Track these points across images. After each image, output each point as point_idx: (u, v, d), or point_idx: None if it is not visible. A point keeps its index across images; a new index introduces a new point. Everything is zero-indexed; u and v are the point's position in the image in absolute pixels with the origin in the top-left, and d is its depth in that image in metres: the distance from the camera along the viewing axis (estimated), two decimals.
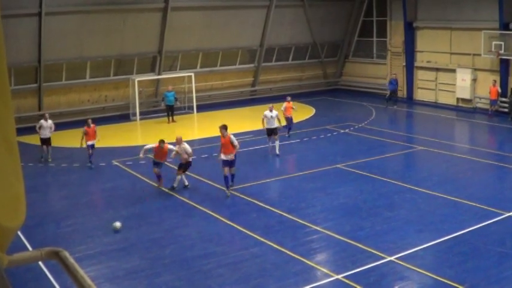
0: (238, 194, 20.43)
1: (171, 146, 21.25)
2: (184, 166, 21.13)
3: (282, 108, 29.52)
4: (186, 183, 21.38)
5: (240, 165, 24.58)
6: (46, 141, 25.95)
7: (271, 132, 26.43)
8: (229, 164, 20.36)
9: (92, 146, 24.61)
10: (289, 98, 30.20)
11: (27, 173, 21.92)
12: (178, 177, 21.05)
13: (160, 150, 21.46)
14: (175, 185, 21.01)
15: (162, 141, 21.43)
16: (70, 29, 33.11)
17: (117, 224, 16.92)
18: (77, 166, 24.82)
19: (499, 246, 15.51)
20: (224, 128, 20.55)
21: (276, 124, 26.33)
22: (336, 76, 46.60)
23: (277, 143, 26.27)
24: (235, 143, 20.39)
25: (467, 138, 31.51)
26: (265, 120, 26.64)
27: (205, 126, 33.66)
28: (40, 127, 25.95)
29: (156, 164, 21.42)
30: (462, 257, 15.03)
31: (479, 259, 14.86)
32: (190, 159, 21.13)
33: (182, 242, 16.48)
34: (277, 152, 26.06)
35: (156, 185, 21.72)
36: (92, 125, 24.72)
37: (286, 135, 29.38)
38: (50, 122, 26.16)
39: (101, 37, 34.44)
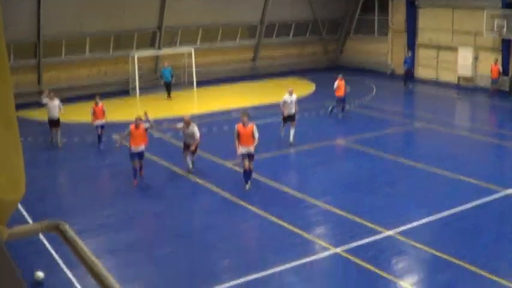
0: (237, 168, 20.45)
1: (147, 124, 19.29)
2: (188, 147, 19.63)
3: (335, 87, 28.26)
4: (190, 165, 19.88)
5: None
6: (55, 123, 23.91)
7: (289, 118, 23.81)
8: (250, 156, 18.26)
9: (102, 126, 23.54)
10: (341, 75, 29.00)
11: (27, 148, 21.95)
12: (188, 158, 19.76)
13: (136, 132, 20.38)
14: (190, 166, 19.75)
15: (138, 119, 19.73)
16: (69, 5, 32.87)
17: (39, 274, 13.79)
18: (76, 141, 24.82)
19: (498, 223, 15.58)
20: (247, 116, 18.34)
21: (294, 110, 23.93)
22: (336, 53, 46.39)
23: (293, 131, 23.61)
24: (257, 134, 18.20)
25: (468, 116, 31.49)
26: (284, 105, 23.90)
27: (205, 101, 33.62)
28: (47, 107, 23.89)
29: (135, 155, 18.93)
30: (461, 233, 15.10)
31: (478, 235, 14.93)
32: (194, 147, 19.41)
33: (182, 214, 16.56)
34: (292, 140, 23.51)
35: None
36: (100, 104, 23.59)
37: (340, 116, 28.42)
38: (57, 101, 23.94)
39: (101, 12, 34.21)
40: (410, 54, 38.48)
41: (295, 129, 23.69)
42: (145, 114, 19.69)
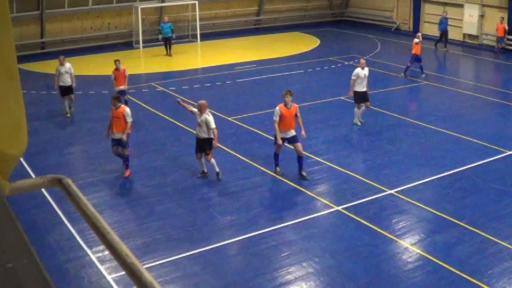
0: (240, 124, 20.44)
1: (127, 111, 16.20)
2: (201, 146, 15.83)
3: (413, 45, 27.32)
4: (217, 169, 15.97)
5: (242, 95, 24.58)
6: (67, 90, 21.64)
7: (361, 96, 20.26)
8: (293, 140, 15.86)
9: (123, 92, 21.37)
10: (419, 34, 28.05)
11: (29, 101, 21.95)
12: (200, 160, 16.04)
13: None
14: (204, 169, 16.08)
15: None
16: None
17: None
18: (79, 94, 24.75)
19: (499, 183, 15.61)
20: (290, 94, 15.71)
21: (366, 86, 20.40)
22: (341, 7, 45.94)
23: (358, 111, 20.43)
24: (299, 116, 15.91)
25: (472, 75, 31.29)
26: (357, 81, 20.21)
27: (209, 54, 33.43)
28: (58, 74, 21.52)
29: (116, 142, 16.16)
30: (462, 193, 15.15)
31: (478, 196, 14.98)
32: (216, 140, 15.60)
33: (184, 170, 16.60)
34: (358, 121, 20.41)
35: None
36: (121, 68, 21.46)
37: (423, 75, 27.51)
38: (68, 65, 21.67)
39: None
40: (445, 14, 36.10)
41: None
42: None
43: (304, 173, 15.90)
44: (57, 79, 21.47)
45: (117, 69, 21.43)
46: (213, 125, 15.46)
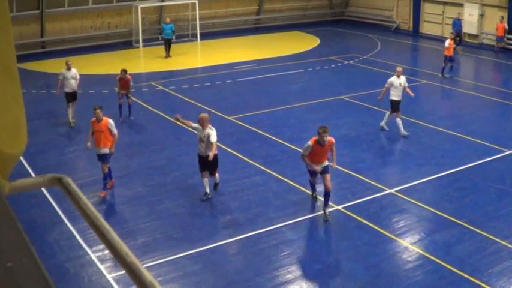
0: (240, 123, 20.44)
1: (111, 123, 14.99)
2: (206, 163, 14.51)
3: (447, 45, 27.08)
4: (217, 181, 15.10)
5: (242, 94, 24.58)
6: (72, 97, 20.81)
7: (397, 106, 19.26)
8: (325, 171, 13.74)
9: (126, 96, 21.15)
10: (451, 31, 27.63)
11: (29, 101, 21.92)
12: (205, 179, 14.63)
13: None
14: (207, 190, 14.61)
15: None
16: None
17: None
18: (79, 93, 24.71)
19: (499, 183, 15.61)
20: (327, 131, 13.41)
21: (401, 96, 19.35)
22: (341, 7, 45.92)
23: (400, 121, 19.25)
24: (335, 149, 13.95)
25: (472, 74, 31.27)
26: (391, 89, 19.29)
27: (209, 54, 33.41)
28: (63, 78, 20.64)
29: (101, 157, 15.06)
30: (462, 192, 15.15)
31: (478, 195, 14.98)
32: (213, 153, 14.03)
33: (184, 169, 16.60)
34: (405, 131, 19.13)
35: None
36: (127, 77, 20.91)
37: (447, 75, 27.38)
38: (74, 70, 20.86)
39: None
40: (458, 15, 35.17)
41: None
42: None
43: (327, 212, 13.64)
44: (62, 84, 20.60)
45: (122, 78, 20.96)
46: (213, 138, 14.09)
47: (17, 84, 2.10)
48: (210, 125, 14.33)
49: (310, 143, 13.49)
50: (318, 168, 13.73)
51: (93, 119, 15.01)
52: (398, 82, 19.08)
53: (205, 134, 14.19)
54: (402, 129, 19.04)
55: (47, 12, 32.90)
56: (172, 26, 32.21)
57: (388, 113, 19.56)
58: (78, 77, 20.89)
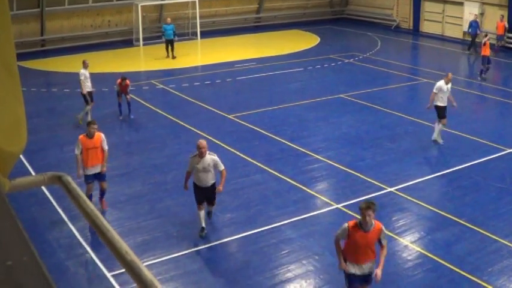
0: (240, 121, 20.43)
1: (103, 137, 13.87)
2: (206, 194, 12.90)
3: (483, 44, 26.88)
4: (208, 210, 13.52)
5: (242, 93, 24.58)
6: (90, 96, 20.61)
7: (443, 112, 18.39)
8: (366, 281, 9.75)
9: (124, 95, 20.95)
10: (489, 36, 27.56)
11: (29, 99, 21.91)
12: (201, 212, 12.83)
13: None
14: (203, 224, 12.78)
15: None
16: None
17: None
18: (79, 91, 24.70)
19: (499, 181, 15.61)
20: (372, 209, 9.36)
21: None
22: (342, 5, 45.90)
23: (440, 127, 18.48)
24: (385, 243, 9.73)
25: (472, 73, 31.24)
26: (439, 94, 18.32)
27: (209, 52, 33.39)
28: (85, 78, 20.27)
29: (93, 177, 13.76)
30: (462, 191, 15.15)
31: (478, 194, 14.98)
32: (223, 184, 12.72)
33: (184, 168, 16.51)
34: (439, 138, 18.45)
35: None
36: (126, 82, 20.86)
37: (483, 75, 26.94)
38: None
39: None
40: (475, 17, 34.28)
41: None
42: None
43: None
44: (85, 84, 20.20)
45: (121, 83, 20.81)
46: (222, 165, 12.58)
47: (17, 82, 2.10)
48: (210, 152, 12.72)
49: (346, 225, 9.44)
50: (357, 270, 9.50)
51: (83, 135, 13.66)
52: (446, 87, 18.33)
53: (208, 163, 12.46)
54: (437, 135, 18.35)
55: (47, 11, 32.88)
56: (173, 27, 31.60)
57: (436, 123, 18.51)
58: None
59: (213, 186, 12.78)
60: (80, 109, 21.05)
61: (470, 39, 33.91)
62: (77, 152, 13.46)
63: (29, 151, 14.70)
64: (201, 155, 12.45)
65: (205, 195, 12.84)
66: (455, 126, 19.80)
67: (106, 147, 13.78)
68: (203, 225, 12.72)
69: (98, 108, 22.13)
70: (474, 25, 33.49)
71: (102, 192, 14.01)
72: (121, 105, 20.96)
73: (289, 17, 42.57)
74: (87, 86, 20.24)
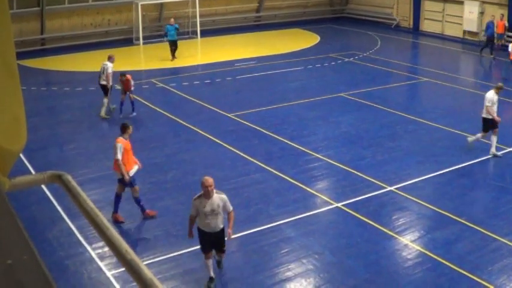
0: (240, 120, 20.43)
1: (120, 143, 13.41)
2: (216, 241, 10.93)
3: (510, 49, 26.56)
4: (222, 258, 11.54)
5: (242, 92, 24.59)
6: (108, 89, 21.23)
7: (490, 125, 17.47)
8: None
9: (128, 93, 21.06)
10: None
11: (29, 98, 21.92)
12: (209, 261, 10.93)
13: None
14: (212, 274, 10.94)
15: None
16: None
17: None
18: (79, 90, 24.75)
19: (499, 180, 15.61)
20: None
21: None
22: (342, 4, 45.89)
23: (495, 139, 17.45)
24: None
25: (472, 72, 31.26)
26: (493, 107, 17.57)
27: (209, 51, 33.38)
28: (112, 72, 21.13)
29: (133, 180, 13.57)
30: (461, 190, 15.15)
31: (478, 193, 14.99)
32: (222, 226, 10.82)
33: (184, 167, 16.60)
34: (496, 151, 17.35)
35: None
36: (126, 77, 20.95)
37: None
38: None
39: None
40: (492, 18, 33.01)
41: None
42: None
43: None
44: (110, 78, 20.88)
45: (121, 80, 20.95)
46: (230, 205, 10.91)
47: (17, 81, 2.10)
48: (218, 191, 10.76)
49: None
50: None
51: (121, 138, 13.47)
52: (496, 98, 17.64)
53: (217, 204, 10.56)
54: (494, 148, 17.35)
55: (47, 10, 32.86)
56: (177, 27, 30.67)
57: (492, 135, 17.49)
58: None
59: (222, 231, 10.82)
60: (81, 108, 21.07)
61: (484, 40, 33.15)
62: (120, 156, 13.25)
63: (28, 150, 14.71)
64: (208, 195, 10.41)
65: (214, 242, 10.89)
66: (454, 125, 19.81)
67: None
68: (211, 274, 10.94)
69: (98, 107, 22.13)
70: (491, 26, 32.34)
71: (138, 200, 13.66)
72: (123, 103, 20.96)
73: (289, 16, 42.55)
74: (111, 80, 21.03)
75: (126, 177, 13.29)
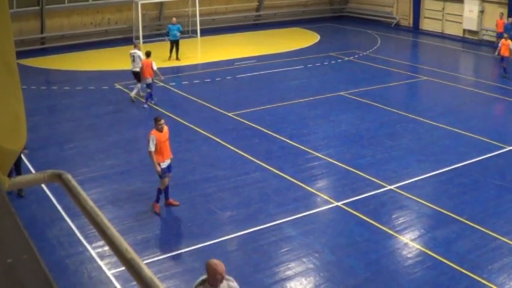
0: (240, 119, 20.43)
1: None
2: None
3: None
4: None
5: (242, 91, 24.59)
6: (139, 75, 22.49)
7: None
8: None
9: (148, 84, 22.00)
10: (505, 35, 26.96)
11: (29, 97, 21.91)
12: None
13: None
14: None
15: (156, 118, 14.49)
16: None
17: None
18: (79, 89, 24.73)
19: (499, 179, 15.62)
20: None
21: None
22: (341, 3, 45.86)
23: None
24: None
25: (472, 70, 31.26)
26: None
27: (209, 50, 33.36)
28: (134, 59, 22.74)
29: (168, 168, 13.93)
30: (461, 189, 15.15)
31: (478, 191, 14.98)
32: None
33: (184, 166, 16.58)
34: None
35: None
36: (149, 60, 21.90)
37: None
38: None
39: None
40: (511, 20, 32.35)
41: None
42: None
43: None
44: (139, 64, 22.30)
45: (146, 55, 22.12)
46: None
47: (17, 81, 2.10)
48: (229, 278, 8.54)
49: None
50: None
51: (155, 131, 13.48)
52: None
53: None
54: None
55: (47, 9, 32.82)
56: (180, 27, 30.74)
57: None
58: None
59: None
60: (81, 107, 21.06)
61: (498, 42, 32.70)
62: (153, 148, 13.39)
63: (29, 149, 14.69)
64: (215, 284, 8.08)
65: None
66: (454, 124, 19.81)
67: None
68: None
69: (98, 106, 22.16)
70: (509, 28, 31.64)
71: (167, 188, 14.02)
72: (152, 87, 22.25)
73: (289, 15, 42.52)
74: (136, 66, 22.60)
75: (157, 169, 13.47)
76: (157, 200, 13.94)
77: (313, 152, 17.44)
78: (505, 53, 26.72)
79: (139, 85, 22.66)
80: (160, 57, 29.49)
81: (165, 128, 13.74)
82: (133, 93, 22.75)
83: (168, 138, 13.80)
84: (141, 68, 21.89)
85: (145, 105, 21.93)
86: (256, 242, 12.57)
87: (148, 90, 22.13)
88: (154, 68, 21.88)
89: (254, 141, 18.49)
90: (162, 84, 25.35)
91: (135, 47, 23.19)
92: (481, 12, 35.55)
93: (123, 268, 1.87)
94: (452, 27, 37.55)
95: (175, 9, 36.18)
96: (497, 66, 28.00)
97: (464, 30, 36.68)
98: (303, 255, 11.99)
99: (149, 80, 21.89)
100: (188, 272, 11.45)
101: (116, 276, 11.07)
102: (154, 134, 13.47)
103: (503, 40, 27.21)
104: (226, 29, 38.66)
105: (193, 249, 12.26)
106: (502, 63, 27.09)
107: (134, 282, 1.71)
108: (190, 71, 28.29)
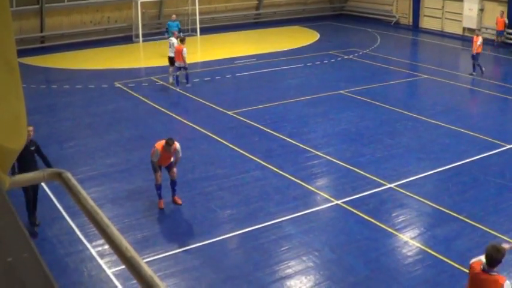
0: (240, 118, 20.43)
1: (178, 148, 13.92)
2: None
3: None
4: None
5: (242, 89, 24.59)
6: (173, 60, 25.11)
7: None
8: None
9: (178, 68, 24.64)
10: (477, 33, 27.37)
11: (29, 95, 21.89)
12: None
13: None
14: None
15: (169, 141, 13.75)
16: None
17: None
18: (79, 88, 24.73)
19: (499, 177, 15.62)
20: None
21: None
22: (341, 1, 45.84)
23: None
24: None
25: (472, 69, 31.21)
26: None
27: (209, 48, 33.35)
28: (170, 45, 25.33)
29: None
30: (461, 187, 15.15)
31: (478, 190, 14.98)
32: None
33: (184, 164, 16.56)
34: None
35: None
36: (182, 47, 24.06)
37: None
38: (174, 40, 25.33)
39: None
40: None
41: None
42: None
43: None
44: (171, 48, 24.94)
45: (180, 41, 24.19)
46: None
47: (17, 79, 2.10)
48: None
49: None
50: None
51: (161, 147, 13.51)
52: None
53: None
54: None
55: (47, 7, 32.81)
56: (178, 24, 30.95)
57: None
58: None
59: None
60: (81, 106, 21.06)
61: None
62: (155, 159, 13.69)
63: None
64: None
65: None
66: (454, 122, 19.81)
67: (179, 155, 14.12)
68: None
69: (98, 104, 22.15)
70: None
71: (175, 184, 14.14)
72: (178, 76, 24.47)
73: (289, 13, 42.50)
74: (172, 51, 24.86)
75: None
76: (159, 197, 13.97)
77: (313, 151, 17.44)
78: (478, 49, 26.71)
79: (171, 69, 25.05)
80: (160, 55, 29.48)
81: (174, 146, 13.68)
82: (170, 80, 25.12)
83: (172, 154, 13.83)
84: (175, 53, 24.23)
85: (189, 84, 24.48)
86: (256, 240, 12.57)
87: (179, 73, 24.52)
88: (184, 54, 23.71)
89: (254, 140, 18.50)
90: (162, 82, 25.36)
91: (173, 35, 25.74)
92: (481, 10, 35.53)
93: (123, 266, 1.87)
94: (452, 25, 37.52)
95: (175, 8, 36.19)
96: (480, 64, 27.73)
97: (464, 29, 36.67)
98: (302, 254, 11.99)
99: (180, 64, 24.11)
100: (188, 270, 11.46)
101: (116, 275, 11.08)
102: (159, 151, 13.57)
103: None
104: (225, 28, 38.65)
105: (194, 247, 12.27)
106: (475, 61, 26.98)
107: (134, 281, 1.71)
108: (190, 70, 28.22)
